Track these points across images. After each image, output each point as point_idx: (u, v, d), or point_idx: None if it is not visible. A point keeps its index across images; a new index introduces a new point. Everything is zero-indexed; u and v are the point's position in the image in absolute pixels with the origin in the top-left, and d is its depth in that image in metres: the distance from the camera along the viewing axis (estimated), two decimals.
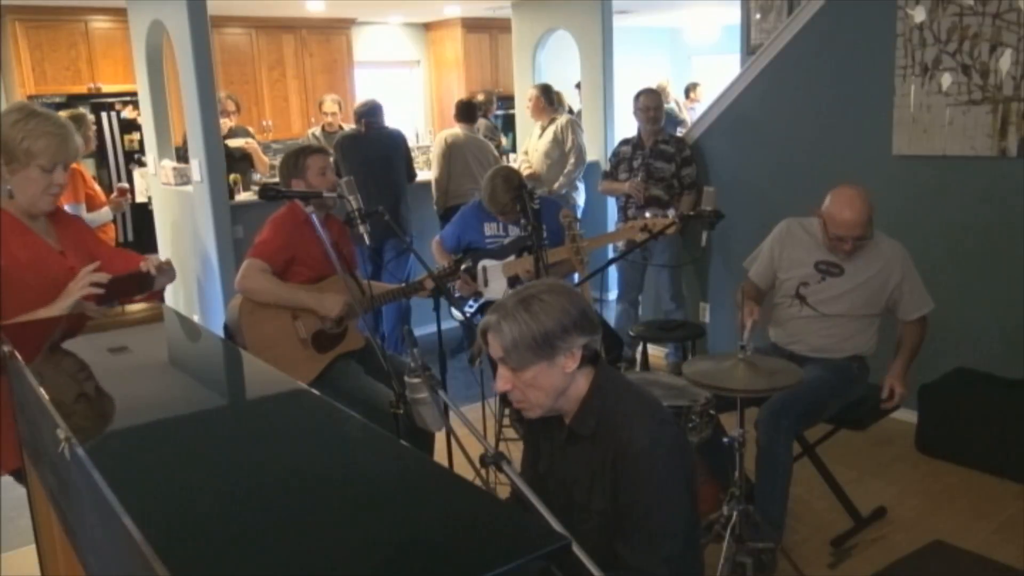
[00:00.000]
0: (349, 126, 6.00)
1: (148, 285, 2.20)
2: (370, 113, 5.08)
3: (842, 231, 2.82)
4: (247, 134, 5.85)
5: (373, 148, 5.04)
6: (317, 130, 6.09)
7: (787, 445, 2.72)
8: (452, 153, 5.44)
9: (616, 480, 1.64)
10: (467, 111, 5.72)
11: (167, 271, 2.23)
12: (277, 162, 5.77)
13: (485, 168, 5.36)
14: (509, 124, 7.60)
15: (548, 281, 1.79)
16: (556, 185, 5.60)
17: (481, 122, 7.54)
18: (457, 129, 5.62)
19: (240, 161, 5.45)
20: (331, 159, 3.10)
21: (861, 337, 2.95)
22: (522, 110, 6.60)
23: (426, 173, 5.84)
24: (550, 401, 1.71)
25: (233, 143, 5.38)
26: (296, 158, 2.98)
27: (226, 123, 5.60)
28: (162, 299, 2.51)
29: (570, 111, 7.50)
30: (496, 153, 5.82)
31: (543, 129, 5.68)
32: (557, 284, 1.74)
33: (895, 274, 2.89)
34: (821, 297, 2.93)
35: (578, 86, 6.62)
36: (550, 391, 1.69)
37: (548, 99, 5.71)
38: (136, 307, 2.36)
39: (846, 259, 2.90)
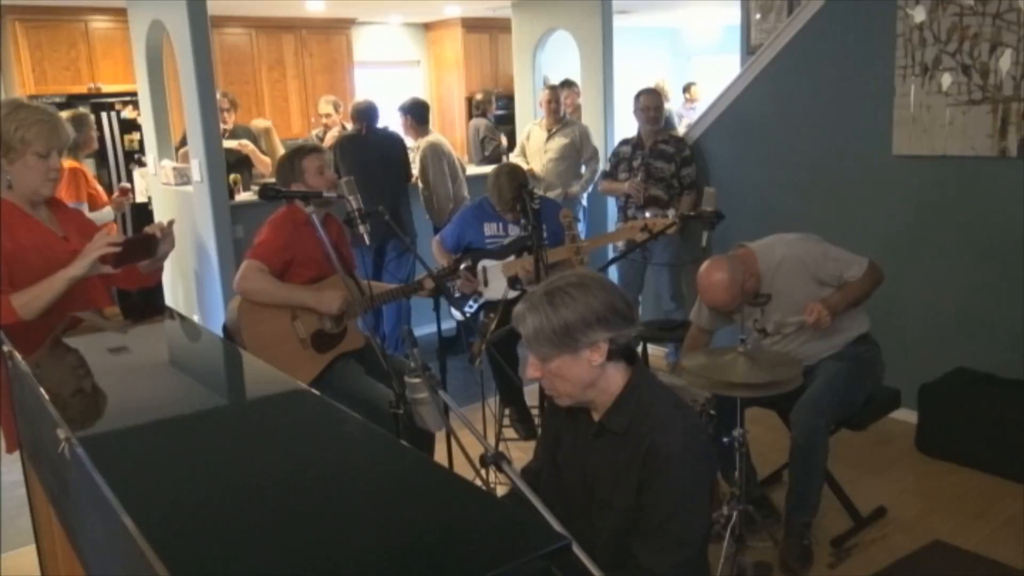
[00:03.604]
0: (348, 125, 5.98)
1: (153, 250, 2.25)
2: (368, 115, 5.07)
3: (710, 306, 2.84)
4: (249, 134, 5.85)
5: (373, 149, 5.03)
6: (320, 131, 6.07)
7: (826, 438, 2.75)
8: (445, 161, 5.31)
9: (643, 479, 1.64)
10: (427, 113, 5.49)
11: (168, 236, 2.28)
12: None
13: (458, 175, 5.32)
14: (508, 123, 7.58)
15: (581, 272, 1.76)
16: (575, 189, 5.55)
17: (481, 121, 7.54)
18: (436, 134, 5.44)
19: (239, 163, 5.44)
20: (327, 157, 3.08)
21: (843, 326, 2.86)
22: (523, 110, 6.58)
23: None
24: (578, 392, 1.72)
25: (227, 144, 5.37)
26: (292, 161, 2.96)
27: (228, 119, 5.59)
28: (162, 302, 2.52)
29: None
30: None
31: (549, 132, 5.60)
32: (588, 277, 1.72)
33: (808, 269, 2.78)
34: (773, 326, 2.85)
35: (564, 85, 6.54)
36: (577, 382, 1.70)
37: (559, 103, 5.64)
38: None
39: (761, 285, 2.80)
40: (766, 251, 2.83)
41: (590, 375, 1.69)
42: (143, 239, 2.22)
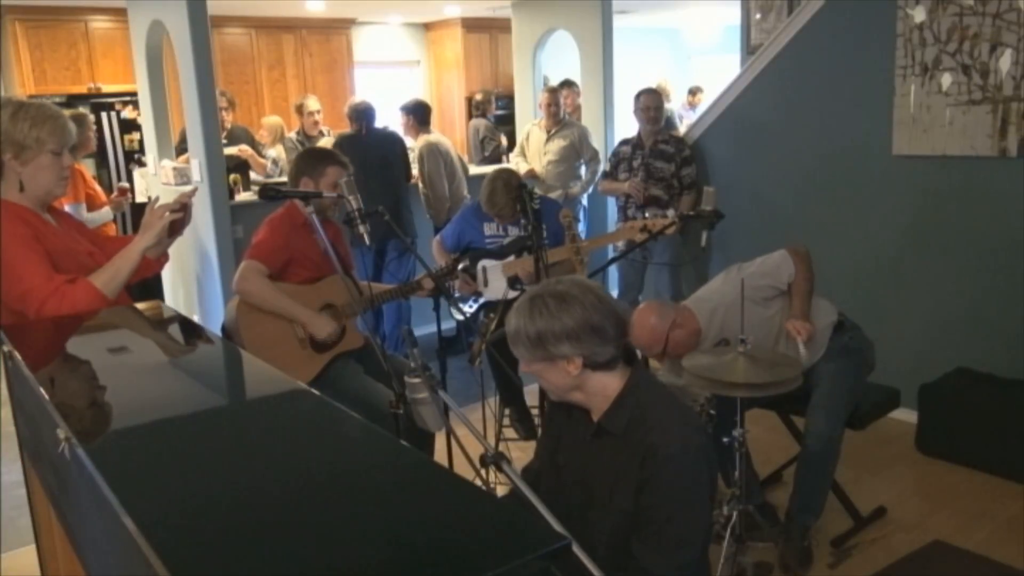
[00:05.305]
0: (327, 128, 5.94)
1: (180, 224, 2.24)
2: (367, 115, 5.07)
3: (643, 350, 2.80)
4: (247, 135, 5.84)
5: (372, 149, 5.03)
6: (299, 134, 5.84)
7: (841, 443, 2.78)
8: (442, 160, 5.33)
9: (642, 481, 1.64)
10: (428, 114, 5.52)
11: (189, 210, 2.26)
12: (275, 160, 5.75)
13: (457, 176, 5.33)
14: (508, 123, 7.58)
15: (572, 282, 1.73)
16: (576, 190, 5.56)
17: (481, 122, 7.53)
18: (436, 134, 5.46)
19: (237, 165, 5.43)
20: (348, 177, 3.05)
21: (815, 325, 2.82)
22: (523, 110, 6.58)
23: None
24: (561, 392, 1.74)
25: (227, 151, 5.36)
26: (317, 160, 2.93)
27: (226, 118, 5.58)
28: (162, 298, 2.51)
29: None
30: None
31: (548, 133, 5.60)
32: (575, 288, 1.69)
33: (750, 300, 2.71)
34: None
35: (563, 85, 6.53)
36: (557, 385, 1.72)
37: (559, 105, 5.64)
38: (136, 306, 2.36)
39: (716, 334, 2.80)
40: (705, 312, 2.81)
41: (570, 382, 1.70)
42: (185, 208, 2.22)
